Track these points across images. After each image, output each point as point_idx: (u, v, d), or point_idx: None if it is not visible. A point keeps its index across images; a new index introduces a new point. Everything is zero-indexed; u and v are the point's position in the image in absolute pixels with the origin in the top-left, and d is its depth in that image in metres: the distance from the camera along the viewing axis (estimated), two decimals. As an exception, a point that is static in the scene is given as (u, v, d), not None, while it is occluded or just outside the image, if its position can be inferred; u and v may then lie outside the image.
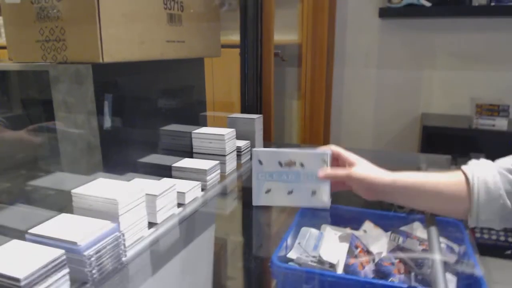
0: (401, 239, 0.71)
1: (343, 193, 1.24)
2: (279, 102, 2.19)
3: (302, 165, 0.78)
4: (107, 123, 0.81)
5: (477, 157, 0.69)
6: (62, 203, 0.80)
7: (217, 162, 0.99)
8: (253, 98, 1.40)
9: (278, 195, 0.80)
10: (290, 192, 0.79)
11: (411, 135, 2.11)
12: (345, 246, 0.77)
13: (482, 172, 0.63)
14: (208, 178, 0.95)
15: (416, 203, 0.70)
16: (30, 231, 0.58)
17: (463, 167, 0.66)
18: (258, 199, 0.81)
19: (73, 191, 0.67)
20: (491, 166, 0.64)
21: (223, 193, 0.99)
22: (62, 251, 0.54)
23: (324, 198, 0.79)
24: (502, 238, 1.82)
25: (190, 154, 1.09)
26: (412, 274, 0.60)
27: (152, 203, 0.75)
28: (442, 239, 0.70)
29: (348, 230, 0.84)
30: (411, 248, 0.67)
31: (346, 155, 0.76)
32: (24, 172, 1.00)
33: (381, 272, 0.71)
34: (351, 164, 0.75)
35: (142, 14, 0.85)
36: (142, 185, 0.72)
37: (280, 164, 0.78)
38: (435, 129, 1.79)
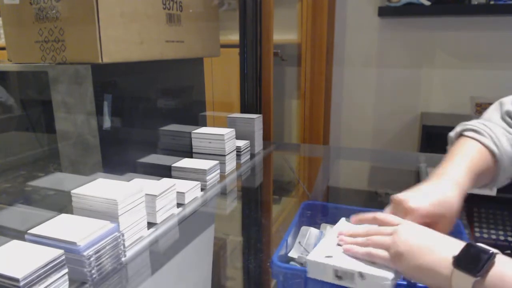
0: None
1: (341, 191, 1.24)
2: (279, 102, 2.19)
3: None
4: (107, 123, 0.81)
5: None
6: (62, 203, 0.80)
7: (217, 162, 0.99)
8: (252, 97, 1.40)
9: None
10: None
11: (410, 134, 2.11)
12: (345, 245, 0.77)
13: (503, 143, 0.64)
14: (207, 178, 0.95)
15: None
16: (29, 231, 0.59)
17: (485, 141, 0.65)
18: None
19: (72, 191, 0.67)
20: (499, 128, 0.66)
21: (223, 193, 0.99)
22: (61, 251, 0.54)
23: None
24: (502, 238, 1.82)
25: (189, 154, 1.09)
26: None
27: (152, 203, 0.75)
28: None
29: (347, 230, 0.84)
30: None
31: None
32: (24, 172, 1.00)
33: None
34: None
35: (141, 14, 0.85)
36: (142, 185, 0.72)
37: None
38: (434, 128, 1.78)
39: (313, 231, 0.80)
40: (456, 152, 0.65)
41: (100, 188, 0.68)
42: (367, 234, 0.57)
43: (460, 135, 0.70)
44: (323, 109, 2.02)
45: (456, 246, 0.47)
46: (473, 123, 0.68)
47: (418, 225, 0.53)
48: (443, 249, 0.48)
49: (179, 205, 0.84)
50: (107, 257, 0.60)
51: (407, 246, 0.50)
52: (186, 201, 0.86)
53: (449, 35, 1.95)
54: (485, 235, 1.92)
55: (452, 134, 0.72)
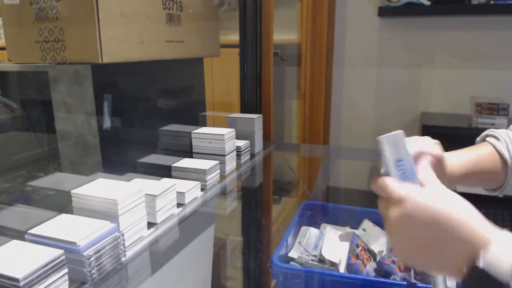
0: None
1: (341, 191, 1.24)
2: (279, 102, 2.19)
3: None
4: (107, 123, 0.81)
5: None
6: (62, 203, 0.80)
7: (217, 162, 0.99)
8: (252, 97, 1.40)
9: None
10: None
11: (410, 134, 2.10)
12: (346, 245, 0.77)
13: None
14: (207, 178, 0.95)
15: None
16: (29, 231, 0.59)
17: (498, 146, 0.65)
18: None
19: (72, 191, 0.67)
20: None
21: (223, 193, 0.99)
22: (61, 251, 0.54)
23: None
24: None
25: (189, 154, 1.09)
26: (412, 271, 0.60)
27: (152, 203, 0.75)
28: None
29: (347, 229, 0.84)
30: None
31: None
32: (24, 172, 1.00)
33: (383, 270, 0.71)
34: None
35: (141, 14, 0.85)
36: (142, 185, 0.72)
37: None
38: (434, 128, 1.78)
39: (313, 231, 0.80)
40: (467, 148, 0.67)
41: (100, 188, 0.68)
42: None
43: (484, 140, 0.71)
44: (323, 109, 2.02)
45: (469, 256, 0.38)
46: (498, 131, 0.69)
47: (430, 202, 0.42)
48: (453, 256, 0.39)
49: (179, 205, 0.84)
50: (107, 257, 0.60)
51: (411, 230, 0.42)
52: (186, 201, 0.86)
53: (449, 35, 1.95)
54: (485, 235, 1.92)
55: (478, 138, 0.73)
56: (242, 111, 1.42)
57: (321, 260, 0.72)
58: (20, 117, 1.01)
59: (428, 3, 1.82)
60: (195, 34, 1.04)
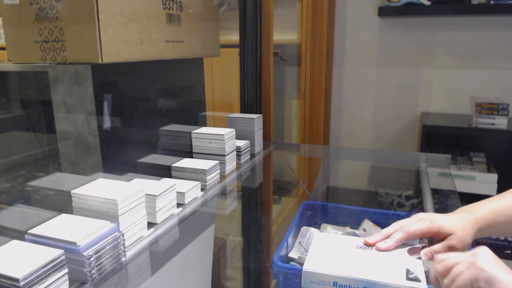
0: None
1: (341, 191, 1.24)
2: (279, 102, 2.19)
3: None
4: (107, 123, 0.81)
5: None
6: (62, 203, 0.80)
7: (217, 162, 0.99)
8: (252, 97, 1.40)
9: None
10: None
11: (410, 134, 2.11)
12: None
13: None
14: (207, 178, 0.95)
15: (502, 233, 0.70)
16: (29, 231, 0.59)
17: None
18: None
19: (72, 191, 0.67)
20: None
21: (223, 193, 0.99)
22: (61, 251, 0.54)
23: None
24: (502, 238, 1.81)
25: (189, 154, 1.09)
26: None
27: (152, 203, 0.75)
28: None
29: (348, 229, 0.84)
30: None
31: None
32: (24, 172, 1.00)
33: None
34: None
35: (141, 14, 0.85)
36: (142, 185, 0.72)
37: None
38: (434, 128, 1.78)
39: (313, 231, 0.80)
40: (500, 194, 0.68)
41: (100, 188, 0.68)
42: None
43: None
44: (323, 109, 2.02)
45: None
46: None
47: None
48: None
49: (179, 205, 0.84)
50: (107, 257, 0.60)
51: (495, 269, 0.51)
52: (186, 201, 0.86)
53: (449, 35, 1.95)
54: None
55: None
56: (242, 111, 1.42)
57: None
58: (20, 117, 1.01)
59: (428, 3, 1.82)
60: (195, 34, 1.04)
